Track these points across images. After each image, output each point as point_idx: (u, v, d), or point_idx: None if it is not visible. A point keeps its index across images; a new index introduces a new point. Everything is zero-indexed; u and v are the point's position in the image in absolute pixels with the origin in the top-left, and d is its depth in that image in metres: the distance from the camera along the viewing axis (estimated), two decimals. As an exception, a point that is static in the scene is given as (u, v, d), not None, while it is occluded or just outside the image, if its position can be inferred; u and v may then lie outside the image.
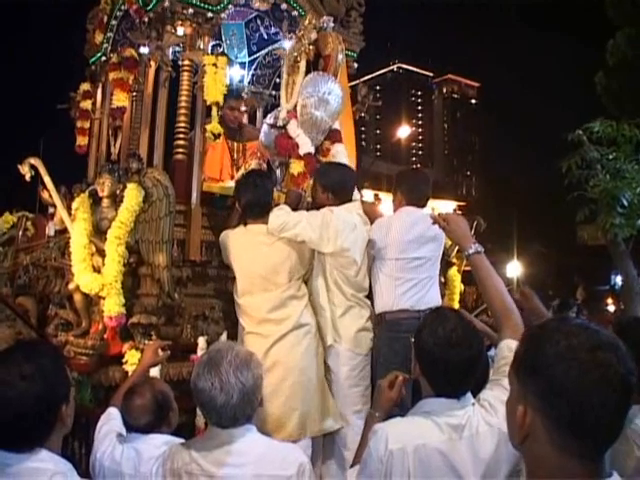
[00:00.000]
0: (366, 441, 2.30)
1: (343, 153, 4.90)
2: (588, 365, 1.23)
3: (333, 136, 4.94)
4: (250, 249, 4.15)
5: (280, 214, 4.14)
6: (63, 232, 4.91)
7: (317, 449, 4.07)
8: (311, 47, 4.91)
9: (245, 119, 6.59)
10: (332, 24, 5.08)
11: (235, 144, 5.81)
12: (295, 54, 4.94)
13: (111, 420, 2.94)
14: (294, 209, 4.33)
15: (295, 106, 4.80)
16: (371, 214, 4.44)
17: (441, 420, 2.18)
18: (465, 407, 2.22)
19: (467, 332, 2.29)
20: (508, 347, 2.27)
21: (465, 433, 2.15)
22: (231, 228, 4.39)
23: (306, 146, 4.68)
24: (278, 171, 5.20)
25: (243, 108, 6.51)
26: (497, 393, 2.22)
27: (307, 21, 5.02)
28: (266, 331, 4.00)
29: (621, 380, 1.25)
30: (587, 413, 1.23)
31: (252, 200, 4.23)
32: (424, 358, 2.30)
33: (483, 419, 2.19)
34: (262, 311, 4.04)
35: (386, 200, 5.10)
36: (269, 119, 5.19)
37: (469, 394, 2.29)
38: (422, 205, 4.35)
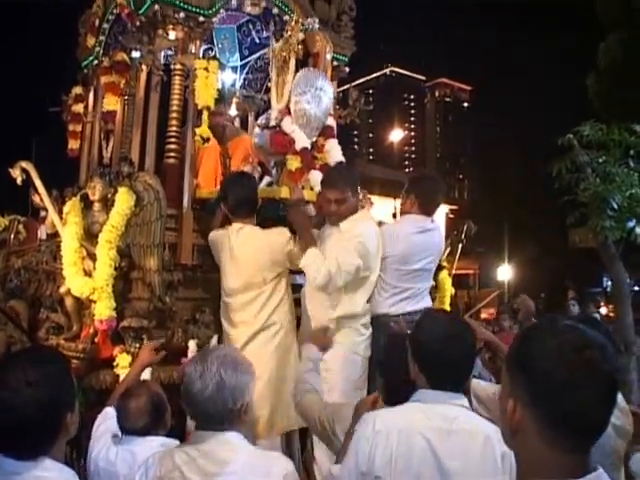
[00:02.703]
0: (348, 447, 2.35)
1: (337, 149, 4.91)
2: (575, 363, 1.27)
3: (326, 132, 4.95)
4: (234, 248, 4.15)
5: (320, 268, 3.89)
6: (55, 236, 4.91)
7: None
8: (299, 46, 4.91)
9: (237, 123, 6.61)
10: (317, 25, 5.09)
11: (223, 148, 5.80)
12: (284, 54, 4.92)
13: (108, 420, 2.95)
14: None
15: (288, 104, 4.78)
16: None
17: (431, 408, 2.24)
18: (459, 404, 2.28)
19: (459, 328, 2.38)
20: None
21: (454, 426, 2.20)
22: (216, 229, 4.39)
23: (302, 141, 4.67)
24: (274, 171, 5.17)
25: (234, 112, 6.53)
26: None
27: (294, 22, 5.01)
28: (239, 333, 4.03)
29: (607, 378, 1.29)
30: (574, 409, 1.27)
31: (239, 199, 4.22)
32: (421, 355, 2.36)
33: (475, 420, 2.26)
34: (241, 311, 4.07)
35: (379, 204, 5.07)
36: (260, 121, 5.18)
37: (463, 398, 2.33)
38: (431, 214, 4.33)
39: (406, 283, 4.16)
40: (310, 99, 4.70)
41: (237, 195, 4.23)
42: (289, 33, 4.94)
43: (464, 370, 2.38)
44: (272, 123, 4.89)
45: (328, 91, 4.83)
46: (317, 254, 3.95)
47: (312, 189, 4.61)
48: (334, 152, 4.85)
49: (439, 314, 2.58)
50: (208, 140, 4.86)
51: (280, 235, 4.14)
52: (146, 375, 3.77)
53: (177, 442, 2.74)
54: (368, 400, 2.68)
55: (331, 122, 5.00)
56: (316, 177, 4.59)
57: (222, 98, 5.43)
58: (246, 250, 4.11)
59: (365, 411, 2.53)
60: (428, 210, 4.30)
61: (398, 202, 5.17)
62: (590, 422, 1.30)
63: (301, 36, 4.93)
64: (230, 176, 4.54)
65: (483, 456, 2.17)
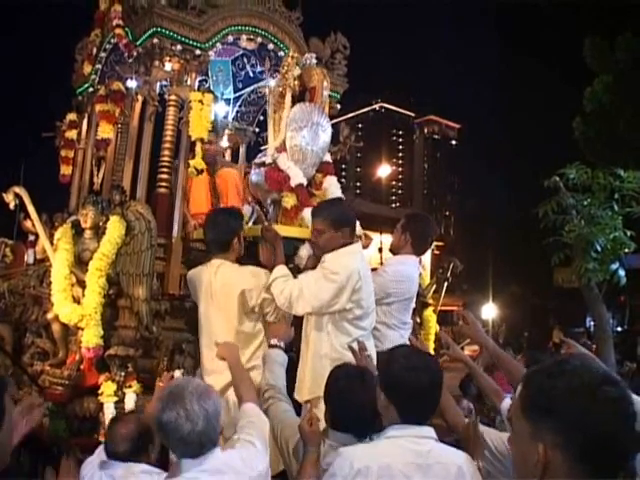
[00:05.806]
0: (306, 473, 2.45)
1: (336, 185, 4.90)
2: (601, 399, 1.31)
3: (324, 169, 4.96)
4: (211, 284, 3.97)
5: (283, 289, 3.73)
6: (43, 261, 4.91)
7: None
8: (296, 82, 4.94)
9: (228, 156, 6.65)
10: (314, 60, 5.15)
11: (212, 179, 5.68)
12: (280, 89, 4.94)
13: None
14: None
15: (284, 141, 4.74)
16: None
17: (405, 444, 2.29)
18: (428, 438, 2.34)
19: (426, 359, 2.50)
20: None
21: (430, 460, 2.26)
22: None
23: (297, 177, 4.61)
24: (271, 209, 5.04)
25: (226, 144, 6.57)
26: None
27: (290, 57, 5.05)
28: (215, 380, 3.61)
29: (629, 411, 1.33)
30: (604, 445, 1.30)
31: (213, 237, 4.10)
32: (390, 385, 2.42)
33: (446, 452, 2.34)
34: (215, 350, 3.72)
35: (375, 238, 5.05)
36: (258, 159, 5.11)
37: (432, 430, 2.39)
38: (421, 255, 4.54)
39: (408, 318, 4.42)
40: (306, 135, 4.68)
41: (212, 233, 4.09)
42: (285, 69, 4.98)
43: (432, 400, 2.44)
44: (268, 160, 4.82)
45: (326, 127, 4.82)
46: (286, 273, 3.80)
47: (308, 227, 4.44)
48: (333, 189, 4.84)
49: (408, 348, 2.68)
50: (202, 172, 4.86)
51: (254, 279, 3.94)
52: (130, 404, 3.76)
53: (159, 470, 2.74)
54: (305, 420, 2.67)
55: (328, 158, 4.99)
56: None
57: (215, 129, 5.46)
58: (225, 290, 3.92)
59: (309, 431, 2.59)
60: (420, 251, 4.43)
61: (384, 237, 5.14)
62: (620, 456, 1.32)
63: (297, 71, 4.97)
64: (209, 214, 4.41)
65: None
